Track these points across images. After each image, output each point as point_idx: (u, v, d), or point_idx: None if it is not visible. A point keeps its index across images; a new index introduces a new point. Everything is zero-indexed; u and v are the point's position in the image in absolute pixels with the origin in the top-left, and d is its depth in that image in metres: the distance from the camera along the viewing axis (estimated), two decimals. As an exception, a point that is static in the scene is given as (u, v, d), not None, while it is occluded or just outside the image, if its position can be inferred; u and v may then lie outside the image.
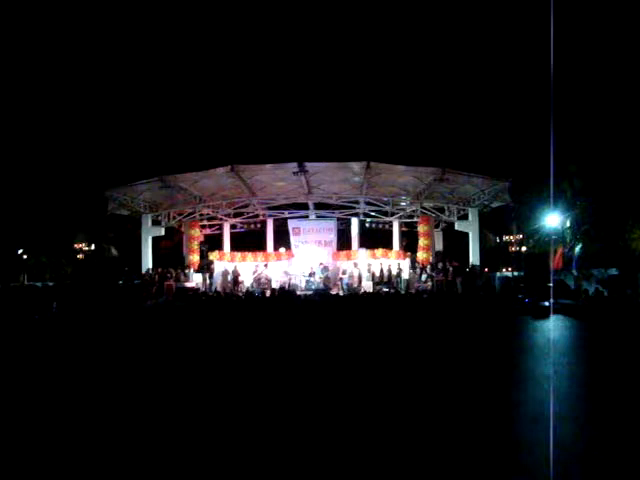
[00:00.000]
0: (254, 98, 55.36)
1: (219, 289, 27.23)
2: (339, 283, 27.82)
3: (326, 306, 22.47)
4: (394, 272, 27.80)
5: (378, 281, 27.52)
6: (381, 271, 27.88)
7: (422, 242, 28.97)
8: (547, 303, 19.91)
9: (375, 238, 30.74)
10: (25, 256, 35.15)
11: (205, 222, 31.59)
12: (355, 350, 11.54)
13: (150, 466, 4.68)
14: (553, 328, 15.83)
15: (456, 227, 29.27)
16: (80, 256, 35.88)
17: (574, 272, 28.08)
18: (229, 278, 28.05)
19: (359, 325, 17.35)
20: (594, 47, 33.75)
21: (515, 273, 29.38)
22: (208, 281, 27.92)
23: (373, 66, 59.74)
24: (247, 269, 28.53)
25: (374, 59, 60.79)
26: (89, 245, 35.91)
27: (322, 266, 28.47)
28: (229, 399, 7.09)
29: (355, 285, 27.31)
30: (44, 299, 22.83)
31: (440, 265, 27.62)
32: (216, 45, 61.14)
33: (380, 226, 31.95)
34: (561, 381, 7.68)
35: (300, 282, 27.98)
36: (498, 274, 30.31)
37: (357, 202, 29.95)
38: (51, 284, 30.01)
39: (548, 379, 7.69)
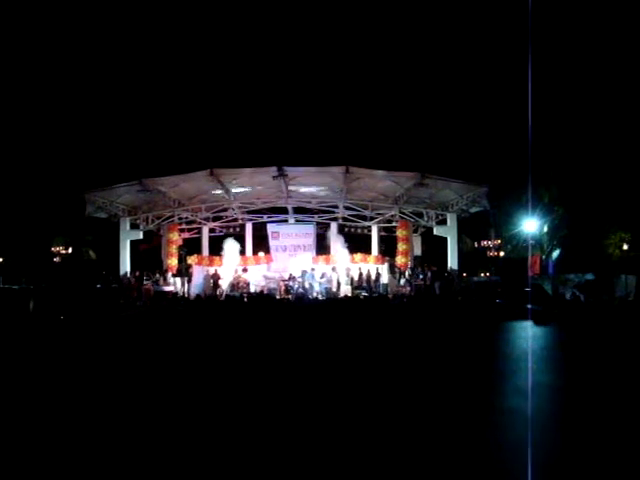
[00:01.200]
0: (234, 102, 55.31)
1: (199, 293, 27.10)
2: (318, 287, 27.77)
3: (305, 310, 22.50)
4: (373, 276, 27.90)
5: (357, 285, 27.59)
6: (360, 275, 27.95)
7: (401, 247, 29.05)
8: (529, 306, 19.96)
9: (354, 243, 30.79)
10: (1, 259, 34.73)
11: (184, 226, 31.41)
12: (335, 355, 11.54)
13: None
14: (528, 332, 15.95)
15: (435, 232, 29.38)
16: (57, 259, 35.51)
17: (551, 277, 28.37)
18: (210, 282, 28.00)
19: (340, 329, 17.38)
20: (572, 57, 34.17)
21: (493, 278, 29.58)
22: (187, 285, 27.77)
23: (353, 72, 60.00)
24: (227, 273, 28.41)
25: (354, 65, 61.02)
26: (67, 248, 35.55)
27: (301, 270, 28.31)
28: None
29: (334, 289, 27.33)
30: (20, 302, 22.62)
31: (419, 269, 27.74)
32: (196, 50, 61.01)
33: (359, 231, 31.97)
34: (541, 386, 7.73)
35: (279, 286, 27.92)
36: (476, 279, 30.50)
37: (336, 207, 29.99)
38: (28, 287, 29.69)
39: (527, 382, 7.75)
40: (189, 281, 27.94)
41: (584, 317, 19.91)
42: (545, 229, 32.69)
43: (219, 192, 28.20)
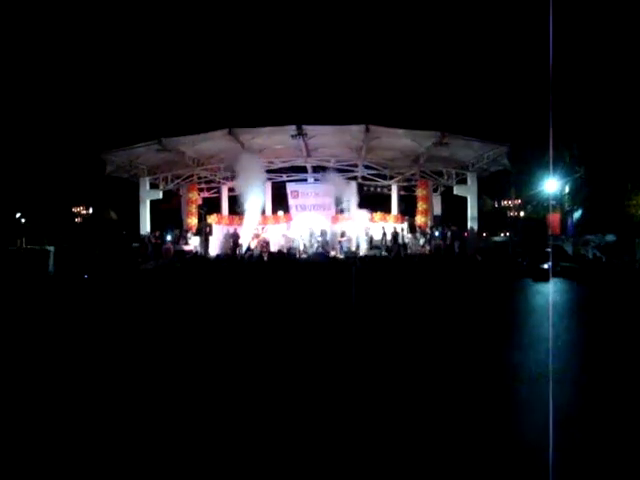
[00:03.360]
0: (252, 61, 54.86)
1: (219, 252, 27.23)
2: (337, 247, 27.81)
3: (324, 268, 22.59)
4: (393, 236, 27.83)
5: (377, 244, 27.57)
6: (383, 235, 27.88)
7: (420, 206, 28.97)
8: (546, 265, 20.10)
9: (374, 202, 30.68)
10: (23, 220, 35.09)
11: (203, 185, 31.48)
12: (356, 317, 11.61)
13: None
14: (553, 290, 15.98)
15: (455, 191, 29.17)
16: (78, 219, 35.81)
17: (571, 238, 28.20)
18: (230, 242, 28.05)
19: (359, 287, 17.45)
20: (590, 21, 33.38)
21: (513, 237, 29.49)
22: (206, 244, 27.89)
23: (371, 30, 59.13)
24: (247, 232, 28.42)
25: (372, 23, 60.12)
26: (87, 208, 35.81)
27: (321, 229, 28.42)
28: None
29: (353, 249, 27.34)
30: (44, 262, 23.00)
31: (438, 229, 27.67)
32: (213, 10, 60.39)
33: (379, 190, 31.81)
34: (561, 344, 7.76)
35: (299, 245, 27.97)
36: (496, 238, 30.40)
37: (356, 165, 29.84)
38: (50, 248, 30.08)
39: (547, 341, 7.79)
40: (207, 240, 28.07)
41: (604, 276, 19.87)
42: (566, 189, 32.36)
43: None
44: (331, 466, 3.87)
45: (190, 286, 18.25)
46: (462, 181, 28.98)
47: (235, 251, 27.27)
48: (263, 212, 30.04)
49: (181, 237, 28.06)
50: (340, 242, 27.86)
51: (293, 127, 25.23)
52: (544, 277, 18.94)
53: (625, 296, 14.83)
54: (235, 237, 28.03)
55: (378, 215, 28.97)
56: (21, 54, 40.83)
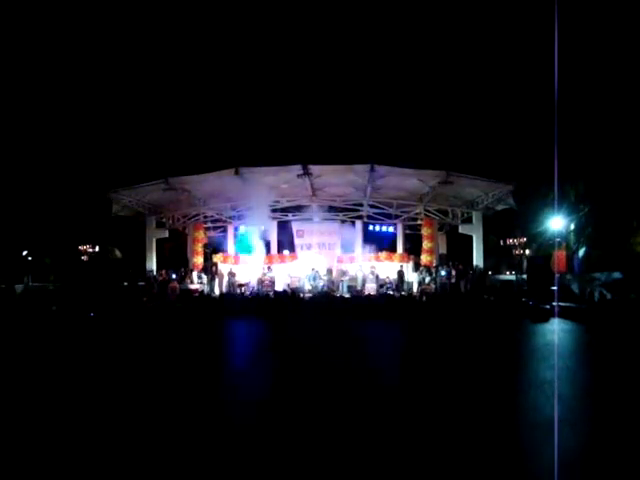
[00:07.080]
0: (258, 101, 55.40)
1: (224, 291, 27.19)
2: (342, 285, 27.74)
3: (329, 308, 22.58)
4: (398, 275, 27.80)
5: (382, 283, 27.50)
6: (390, 274, 27.84)
7: (426, 245, 28.95)
8: (547, 306, 20.06)
9: (379, 241, 30.73)
10: (29, 257, 35.18)
11: (209, 224, 31.57)
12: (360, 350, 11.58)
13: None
14: (551, 331, 15.93)
15: (460, 230, 29.26)
16: (84, 258, 35.88)
17: (577, 275, 28.09)
18: (232, 280, 28.01)
19: (363, 326, 17.42)
20: (598, 51, 33.73)
21: (519, 276, 29.40)
22: (212, 283, 27.88)
23: (377, 69, 59.78)
24: (251, 271, 28.41)
25: (378, 62, 60.83)
26: (93, 247, 35.90)
27: (326, 269, 28.40)
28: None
29: (359, 288, 27.29)
30: (49, 300, 23.08)
31: (444, 268, 27.62)
32: (220, 47, 61.24)
33: (384, 229, 31.87)
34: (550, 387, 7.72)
35: (303, 284, 27.90)
36: (502, 277, 30.31)
37: (361, 205, 29.94)
38: (54, 286, 30.15)
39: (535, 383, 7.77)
40: (213, 279, 28.09)
41: (606, 316, 19.72)
42: (572, 227, 32.33)
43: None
44: None
45: (195, 326, 18.27)
46: (467, 220, 29.07)
47: (236, 290, 27.17)
48: (269, 251, 30.16)
49: (186, 276, 28.06)
50: (342, 281, 27.83)
51: (299, 167, 25.38)
52: (543, 318, 18.90)
53: (625, 340, 14.71)
54: (231, 276, 27.91)
55: (384, 254, 28.98)
56: (32, 93, 41.33)
